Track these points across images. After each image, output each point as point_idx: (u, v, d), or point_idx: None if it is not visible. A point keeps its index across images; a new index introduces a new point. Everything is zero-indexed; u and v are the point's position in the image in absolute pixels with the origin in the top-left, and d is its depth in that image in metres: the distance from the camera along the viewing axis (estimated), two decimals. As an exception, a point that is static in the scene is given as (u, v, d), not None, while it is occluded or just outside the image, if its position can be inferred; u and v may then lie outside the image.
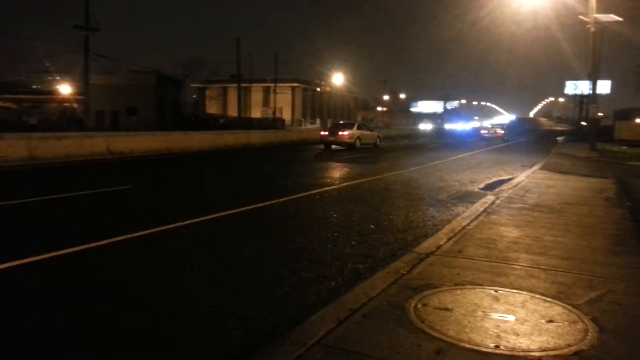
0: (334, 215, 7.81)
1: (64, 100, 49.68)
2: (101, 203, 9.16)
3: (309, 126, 74.83)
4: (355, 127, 27.49)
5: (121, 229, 6.40)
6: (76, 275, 4.86)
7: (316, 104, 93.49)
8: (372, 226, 7.04)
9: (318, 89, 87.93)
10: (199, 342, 3.42)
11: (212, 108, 77.71)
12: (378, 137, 29.28)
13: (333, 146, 25.90)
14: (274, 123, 57.05)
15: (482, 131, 53.32)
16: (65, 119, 42.74)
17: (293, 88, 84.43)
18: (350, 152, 23.96)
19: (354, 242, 6.09)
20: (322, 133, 27.58)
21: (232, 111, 66.66)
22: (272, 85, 59.43)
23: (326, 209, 8.41)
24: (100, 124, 42.06)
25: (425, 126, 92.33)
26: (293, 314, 3.82)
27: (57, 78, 54.72)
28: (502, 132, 49.02)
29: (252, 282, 4.65)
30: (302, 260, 5.26)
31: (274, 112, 59.42)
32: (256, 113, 66.98)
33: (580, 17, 24.25)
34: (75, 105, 45.00)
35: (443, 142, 38.49)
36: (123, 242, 5.96)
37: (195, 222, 7.12)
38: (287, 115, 77.92)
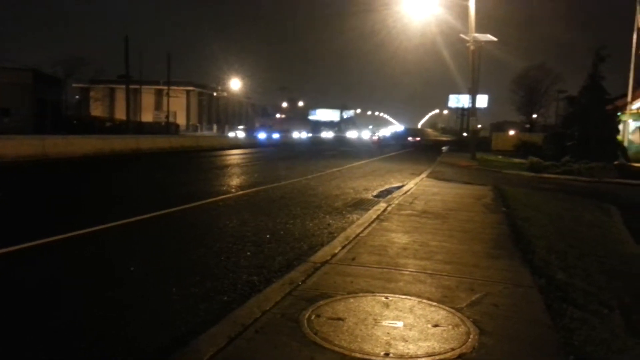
0: (229, 225, 7.58)
1: None
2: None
3: (205, 132, 73.00)
4: (377, 134, 56.70)
5: (-18, 246, 5.62)
6: None
7: (213, 109, 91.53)
8: (268, 236, 6.93)
9: (215, 94, 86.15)
10: (71, 373, 3.06)
11: (97, 110, 72.67)
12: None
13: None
14: (167, 128, 54.75)
15: (409, 138, 77.75)
16: None
17: (188, 92, 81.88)
18: (252, 159, 23.69)
19: (249, 253, 5.94)
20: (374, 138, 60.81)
21: (121, 114, 62.87)
22: (165, 87, 57.03)
23: (221, 218, 8.15)
24: (-37, 125, 37.26)
25: (327, 134, 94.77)
26: (181, 334, 3.58)
27: None
28: (419, 139, 74.78)
29: (136, 301, 4.30)
30: (193, 275, 5.00)
31: (167, 116, 57.02)
32: (147, 117, 63.77)
33: (461, 35, 26.42)
34: None
35: (342, 150, 39.57)
36: (-16, 261, 5.23)
37: (74, 235, 6.50)
38: (181, 120, 75.35)
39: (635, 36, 27.85)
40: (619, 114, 24.14)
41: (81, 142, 22.51)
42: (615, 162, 20.20)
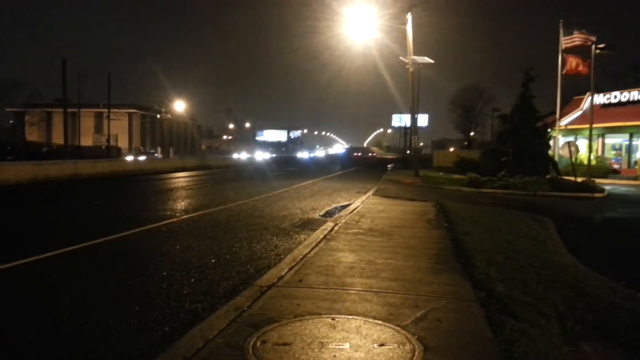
0: (172, 251, 7.34)
1: None
2: None
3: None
4: (361, 150, 72.88)
5: None
6: None
7: (156, 132, 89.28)
8: (213, 260, 6.77)
9: (158, 116, 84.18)
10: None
11: (33, 135, 69.19)
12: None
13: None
14: (109, 152, 52.85)
15: (369, 154, 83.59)
16: None
17: (130, 114, 79.58)
18: (199, 182, 23.20)
19: (192, 280, 5.76)
20: (355, 154, 69.15)
21: (59, 139, 60.14)
22: (106, 110, 55.19)
23: (164, 244, 7.87)
24: None
25: (263, 155, 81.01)
26: (118, 370, 3.40)
27: None
28: (375, 154, 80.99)
29: (70, 335, 4.05)
30: (132, 305, 4.78)
31: (108, 140, 55.08)
32: (87, 141, 61.29)
33: (401, 58, 27.33)
34: None
35: (288, 170, 39.51)
36: None
37: (3, 269, 6.07)
38: (123, 143, 72.89)
39: (560, 58, 29.88)
40: (549, 130, 25.57)
41: (14, 168, 21.33)
42: (548, 176, 21.33)
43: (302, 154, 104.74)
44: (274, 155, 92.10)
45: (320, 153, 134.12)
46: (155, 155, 63.51)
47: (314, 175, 31.15)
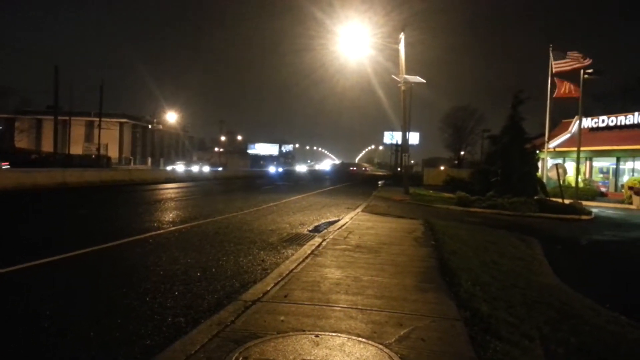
0: (158, 264, 7.28)
1: None
2: None
3: (139, 165, 70.68)
4: (356, 166, 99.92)
5: None
6: None
7: (147, 142, 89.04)
8: (198, 274, 6.72)
9: (150, 126, 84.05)
10: None
11: (22, 142, 68.79)
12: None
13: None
14: (98, 161, 52.58)
15: (363, 168, 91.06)
16: None
17: (121, 124, 79.43)
18: (188, 194, 23.12)
19: (177, 293, 5.71)
20: (351, 169, 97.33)
21: (48, 146, 59.77)
22: (97, 119, 55.04)
23: (149, 256, 7.80)
24: None
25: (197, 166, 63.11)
26: (97, 383, 3.34)
27: None
28: (367, 169, 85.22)
29: (49, 346, 3.99)
30: (114, 318, 4.72)
31: (99, 149, 54.84)
32: (77, 149, 60.98)
33: (393, 76, 27.64)
34: None
35: (277, 184, 39.47)
36: None
37: (-17, 277, 5.98)
38: (114, 153, 72.64)
39: (549, 81, 30.37)
40: (537, 152, 25.88)
41: (0, 175, 21.11)
42: (536, 197, 21.53)
43: (270, 169, 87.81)
44: (219, 169, 64.68)
45: (301, 168, 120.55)
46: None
47: (303, 190, 31.15)
